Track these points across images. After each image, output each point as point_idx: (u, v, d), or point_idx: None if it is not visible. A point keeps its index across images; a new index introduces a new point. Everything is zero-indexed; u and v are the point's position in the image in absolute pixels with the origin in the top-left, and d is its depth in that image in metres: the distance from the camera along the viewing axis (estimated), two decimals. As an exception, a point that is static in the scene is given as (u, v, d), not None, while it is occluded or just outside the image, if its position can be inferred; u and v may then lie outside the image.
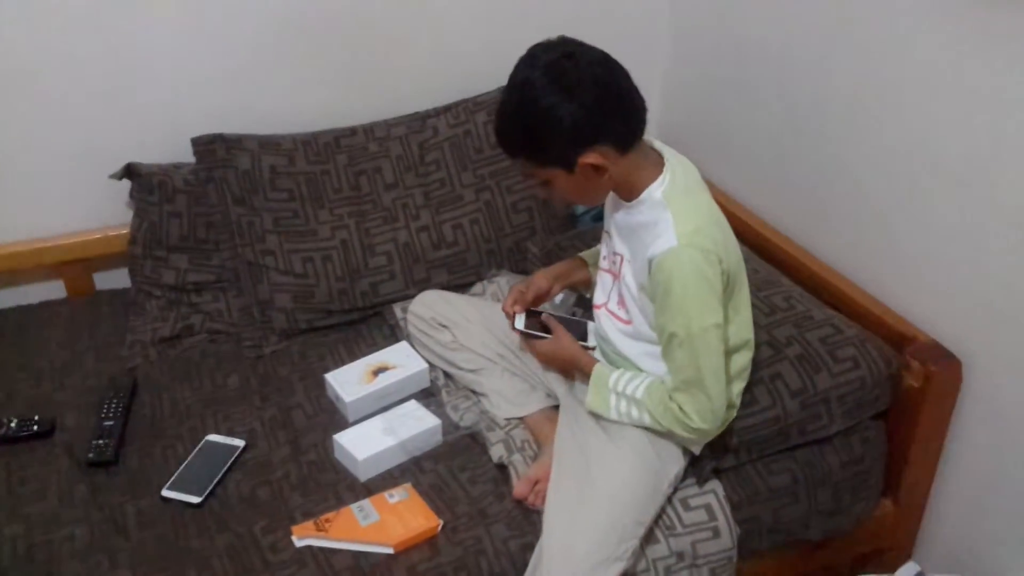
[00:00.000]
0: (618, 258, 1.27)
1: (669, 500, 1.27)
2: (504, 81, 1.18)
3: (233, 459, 1.34)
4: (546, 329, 1.34)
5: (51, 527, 1.23)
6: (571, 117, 1.12)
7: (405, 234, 1.65)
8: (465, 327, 1.47)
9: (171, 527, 1.24)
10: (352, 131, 1.71)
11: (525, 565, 1.20)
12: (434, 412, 1.41)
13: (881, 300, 1.50)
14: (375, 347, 1.54)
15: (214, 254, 1.64)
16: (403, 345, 1.53)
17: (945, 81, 1.32)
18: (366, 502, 1.26)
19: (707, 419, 1.18)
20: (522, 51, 1.17)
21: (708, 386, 1.16)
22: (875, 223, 1.50)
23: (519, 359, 1.45)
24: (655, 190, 1.19)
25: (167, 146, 1.66)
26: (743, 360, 1.27)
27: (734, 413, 1.27)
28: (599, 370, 1.26)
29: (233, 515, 1.26)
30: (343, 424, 1.40)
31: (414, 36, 1.77)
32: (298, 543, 1.21)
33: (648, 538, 1.24)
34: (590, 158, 1.15)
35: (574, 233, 1.73)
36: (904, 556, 1.50)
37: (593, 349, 1.35)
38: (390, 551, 1.20)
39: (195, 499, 1.27)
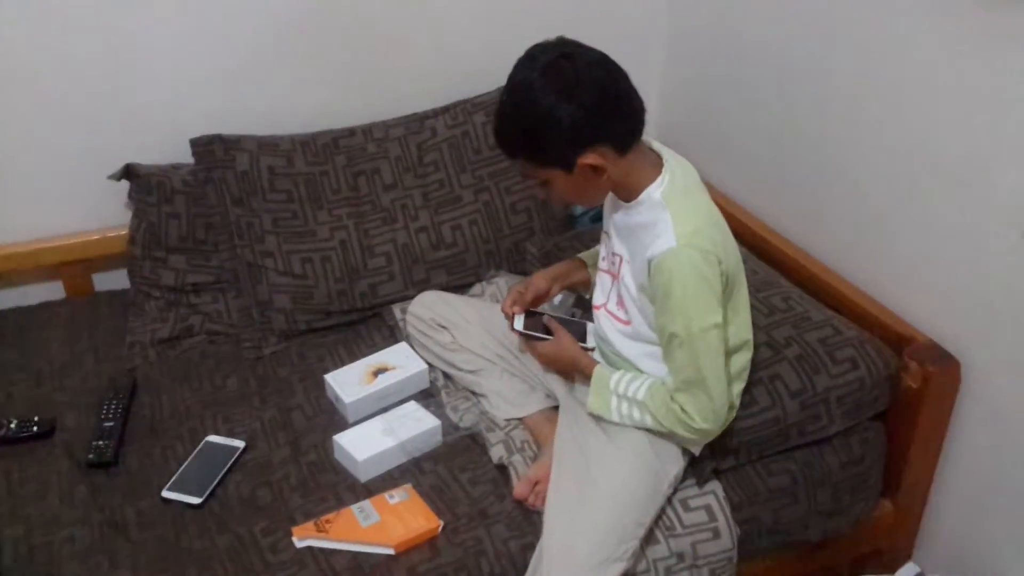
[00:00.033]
0: (617, 259, 1.27)
1: (669, 501, 1.27)
2: (503, 82, 1.18)
3: (233, 460, 1.34)
4: (546, 330, 1.34)
5: (51, 528, 1.24)
6: (570, 118, 1.12)
7: (404, 235, 1.65)
8: (464, 328, 1.48)
9: (171, 528, 1.24)
10: (351, 132, 1.71)
11: (525, 566, 1.20)
12: (434, 413, 1.41)
13: (880, 301, 1.50)
14: (374, 348, 1.55)
15: (213, 255, 1.64)
16: (402, 346, 1.53)
17: (945, 81, 1.32)
18: (366, 503, 1.26)
19: (709, 419, 1.18)
20: (521, 51, 1.17)
21: (710, 386, 1.16)
22: (874, 223, 1.50)
23: (518, 360, 1.45)
24: (654, 191, 1.19)
25: (166, 147, 1.66)
26: (742, 361, 1.27)
27: (733, 414, 1.27)
28: (600, 372, 1.26)
29: (233, 516, 1.26)
30: (343, 425, 1.40)
31: (413, 37, 1.77)
32: (298, 544, 1.21)
33: (648, 539, 1.24)
34: (589, 159, 1.15)
35: (573, 234, 1.73)
36: (904, 557, 1.50)
37: (592, 350, 1.35)
38: (391, 552, 1.20)
39: (195, 500, 1.27)
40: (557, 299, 1.48)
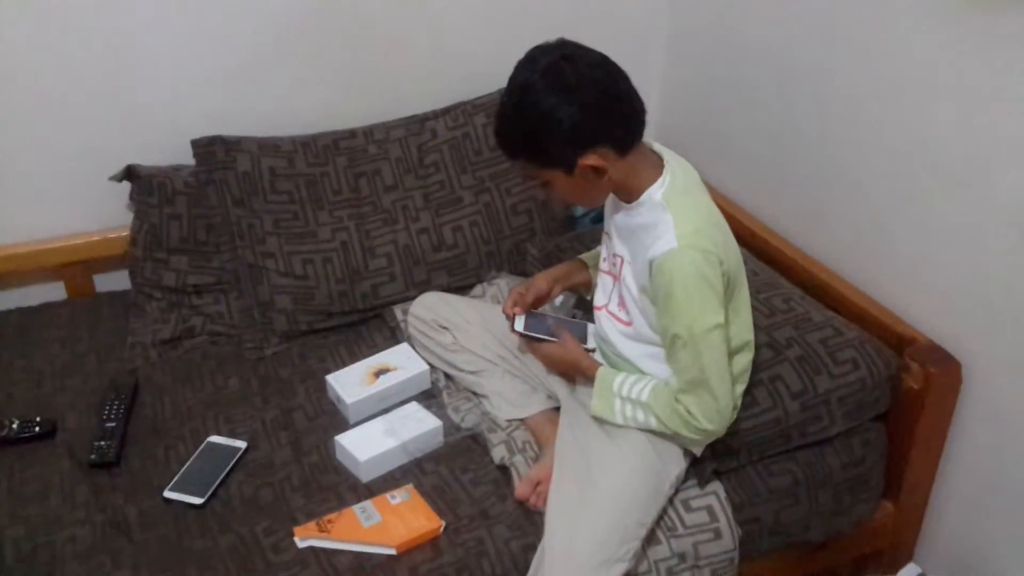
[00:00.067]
0: (618, 260, 1.27)
1: (670, 501, 1.28)
2: (503, 83, 1.19)
3: (235, 460, 1.34)
4: (547, 332, 1.34)
5: (53, 528, 1.24)
6: (570, 119, 1.12)
7: (405, 236, 1.65)
8: (465, 329, 1.48)
9: (173, 528, 1.24)
10: (351, 133, 1.71)
11: (527, 566, 1.20)
12: (435, 414, 1.41)
13: (880, 302, 1.50)
14: (376, 349, 1.55)
15: (214, 256, 1.64)
16: (404, 347, 1.53)
17: (945, 81, 1.32)
18: (368, 503, 1.26)
19: (713, 420, 1.18)
20: (521, 53, 1.17)
21: (713, 387, 1.17)
22: (874, 224, 1.50)
23: (520, 361, 1.45)
24: (655, 192, 1.19)
25: (167, 148, 1.66)
26: (744, 362, 1.28)
27: (735, 415, 1.27)
28: (603, 375, 1.26)
29: (235, 516, 1.26)
30: (344, 426, 1.40)
31: (413, 38, 1.77)
32: (300, 544, 1.21)
33: (650, 539, 1.24)
34: (590, 160, 1.15)
35: (573, 235, 1.73)
36: (905, 557, 1.50)
37: (593, 351, 1.35)
38: (392, 552, 1.20)
39: (197, 500, 1.27)
40: (558, 300, 1.48)
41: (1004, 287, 1.30)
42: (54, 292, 1.72)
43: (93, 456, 1.33)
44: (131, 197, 1.65)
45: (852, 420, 1.36)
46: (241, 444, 1.37)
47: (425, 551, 1.21)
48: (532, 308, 1.38)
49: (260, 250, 1.61)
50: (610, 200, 1.29)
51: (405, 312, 1.58)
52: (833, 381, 1.34)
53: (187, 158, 1.65)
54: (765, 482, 1.33)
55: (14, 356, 1.55)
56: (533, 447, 1.37)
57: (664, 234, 1.16)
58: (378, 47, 1.75)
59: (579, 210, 1.86)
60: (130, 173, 1.63)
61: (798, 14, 1.57)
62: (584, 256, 1.46)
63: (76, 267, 1.70)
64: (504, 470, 1.33)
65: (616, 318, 1.29)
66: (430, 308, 1.52)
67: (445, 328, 1.49)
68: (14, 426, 1.38)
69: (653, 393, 1.22)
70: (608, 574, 1.16)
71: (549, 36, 1.19)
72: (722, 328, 1.17)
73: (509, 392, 1.43)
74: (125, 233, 1.65)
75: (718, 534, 1.27)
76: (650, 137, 1.22)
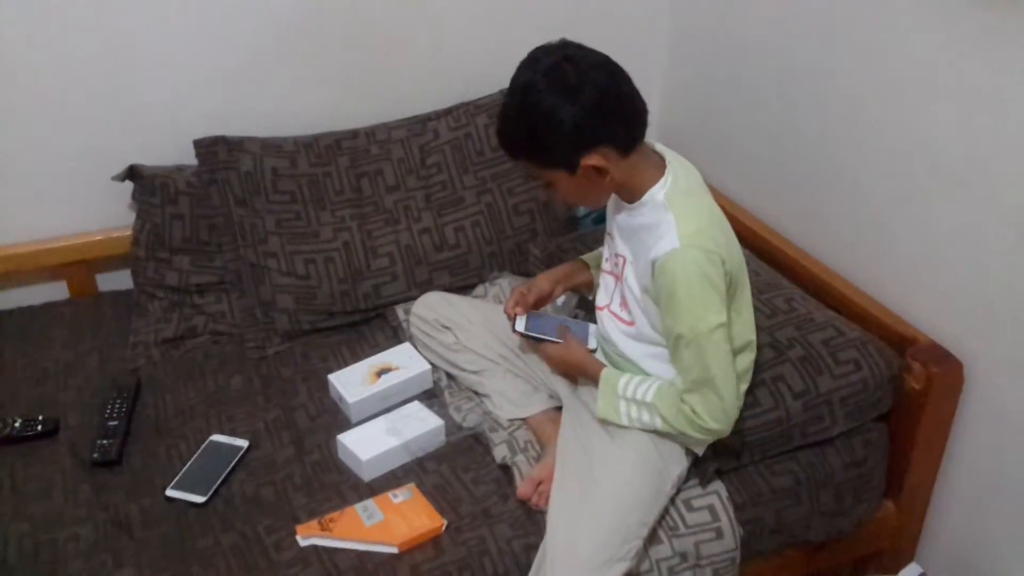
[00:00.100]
0: (620, 260, 1.28)
1: (672, 501, 1.28)
2: (504, 84, 1.19)
3: (237, 459, 1.34)
4: (548, 332, 1.34)
5: (55, 526, 1.24)
6: (573, 119, 1.13)
7: (407, 236, 1.66)
8: (467, 329, 1.48)
9: (175, 526, 1.24)
10: (353, 133, 1.72)
11: (529, 565, 1.21)
12: (437, 413, 1.41)
13: (881, 302, 1.50)
14: (377, 348, 1.55)
15: (216, 256, 1.64)
16: (406, 346, 1.53)
17: (945, 81, 1.32)
18: (370, 502, 1.27)
19: (719, 419, 1.19)
20: (522, 53, 1.18)
21: (718, 386, 1.17)
22: (875, 224, 1.50)
23: (522, 360, 1.45)
24: (657, 192, 1.19)
25: (169, 148, 1.66)
26: (746, 362, 1.28)
27: (738, 414, 1.27)
28: (607, 376, 1.26)
29: (237, 515, 1.26)
30: (346, 425, 1.40)
31: (414, 39, 1.77)
32: (302, 542, 1.21)
33: (651, 538, 1.24)
34: (592, 160, 1.15)
35: (575, 235, 1.73)
36: (906, 557, 1.50)
37: (594, 351, 1.35)
38: (394, 551, 1.21)
39: (199, 499, 1.27)
40: (560, 300, 1.48)
41: (1005, 287, 1.30)
42: (57, 292, 1.72)
43: (95, 455, 1.34)
44: (133, 197, 1.65)
45: (854, 420, 1.37)
46: (243, 443, 1.37)
47: (427, 550, 1.21)
48: (534, 308, 1.38)
49: (262, 250, 1.61)
50: (612, 200, 1.29)
51: (407, 312, 1.58)
52: (835, 381, 1.35)
53: (189, 158, 1.65)
54: (767, 482, 1.34)
55: (17, 355, 1.55)
56: (535, 446, 1.37)
57: (666, 234, 1.16)
58: (378, 48, 1.75)
59: (581, 211, 1.87)
60: (132, 173, 1.63)
61: (798, 14, 1.57)
62: (586, 257, 1.47)
63: (78, 267, 1.70)
64: (506, 469, 1.33)
65: (618, 318, 1.30)
66: (432, 308, 1.52)
67: (447, 328, 1.49)
68: (17, 424, 1.38)
69: (658, 394, 1.22)
70: (610, 573, 1.17)
71: (550, 37, 1.19)
72: (725, 327, 1.17)
73: (511, 392, 1.43)
74: (127, 233, 1.66)
75: (720, 533, 1.27)
76: (651, 138, 1.23)
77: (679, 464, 1.27)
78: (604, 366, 1.29)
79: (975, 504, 1.42)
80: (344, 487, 1.30)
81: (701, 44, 1.85)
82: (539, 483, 1.28)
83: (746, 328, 1.27)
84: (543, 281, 1.40)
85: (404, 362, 1.49)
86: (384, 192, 1.68)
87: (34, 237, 1.66)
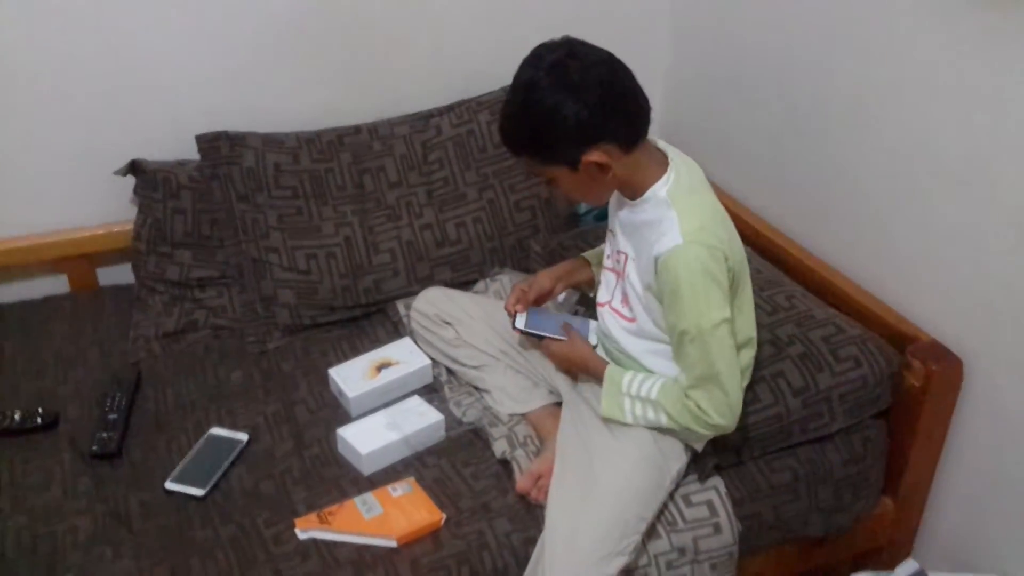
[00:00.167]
0: (622, 256, 1.28)
1: (671, 496, 1.28)
2: (506, 81, 1.19)
3: (237, 453, 1.34)
4: (548, 329, 1.34)
5: (54, 518, 1.24)
6: (575, 116, 1.13)
7: (408, 232, 1.66)
8: (468, 324, 1.48)
9: (175, 519, 1.24)
10: (356, 129, 1.72)
11: (527, 559, 1.21)
12: (437, 408, 1.41)
13: (882, 299, 1.51)
14: (378, 343, 1.55)
15: (218, 250, 1.64)
16: (406, 341, 1.54)
17: (945, 81, 1.33)
18: (369, 495, 1.27)
19: (725, 414, 1.19)
20: (524, 51, 1.18)
21: (723, 381, 1.17)
22: (875, 223, 1.51)
23: (522, 356, 1.45)
24: (659, 188, 1.20)
25: (171, 143, 1.66)
26: (746, 358, 1.28)
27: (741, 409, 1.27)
28: (611, 375, 1.26)
29: (236, 507, 1.26)
30: (346, 419, 1.41)
31: (415, 36, 1.78)
32: (301, 535, 1.22)
33: (650, 533, 1.24)
34: (594, 156, 1.16)
35: (576, 232, 1.73)
36: (904, 554, 1.50)
37: (595, 347, 1.35)
38: (393, 544, 1.21)
39: (199, 491, 1.27)
40: (560, 297, 1.49)
41: (1004, 286, 1.30)
42: (57, 286, 1.72)
43: (95, 447, 1.34)
44: (135, 192, 1.65)
45: (853, 417, 1.37)
46: (243, 436, 1.37)
47: (426, 544, 1.21)
48: (534, 305, 1.39)
49: (264, 245, 1.61)
50: (615, 197, 1.29)
51: (408, 307, 1.58)
52: (835, 378, 1.35)
53: (191, 153, 1.66)
54: (766, 478, 1.34)
55: (17, 349, 1.55)
56: (534, 441, 1.37)
57: (669, 231, 1.16)
58: (379, 46, 1.76)
59: (583, 207, 1.87)
60: (134, 168, 1.63)
61: (799, 15, 1.58)
62: (587, 254, 1.47)
63: (79, 261, 1.70)
64: (505, 464, 1.33)
65: (619, 315, 1.30)
66: (433, 303, 1.52)
67: (448, 323, 1.49)
68: (16, 417, 1.38)
69: (662, 390, 1.22)
70: (608, 568, 1.17)
71: (552, 35, 1.19)
72: (729, 323, 1.17)
73: (511, 387, 1.43)
74: (128, 227, 1.66)
75: (718, 529, 1.27)
76: (652, 135, 1.23)
77: (678, 460, 1.27)
78: (608, 363, 1.30)
79: (973, 501, 1.42)
80: (343, 481, 1.31)
81: (702, 43, 1.86)
82: (538, 477, 1.28)
83: (747, 324, 1.27)
84: (544, 278, 1.40)
85: (404, 357, 1.49)
86: (386, 188, 1.68)
87: (35, 231, 1.66)
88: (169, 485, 1.29)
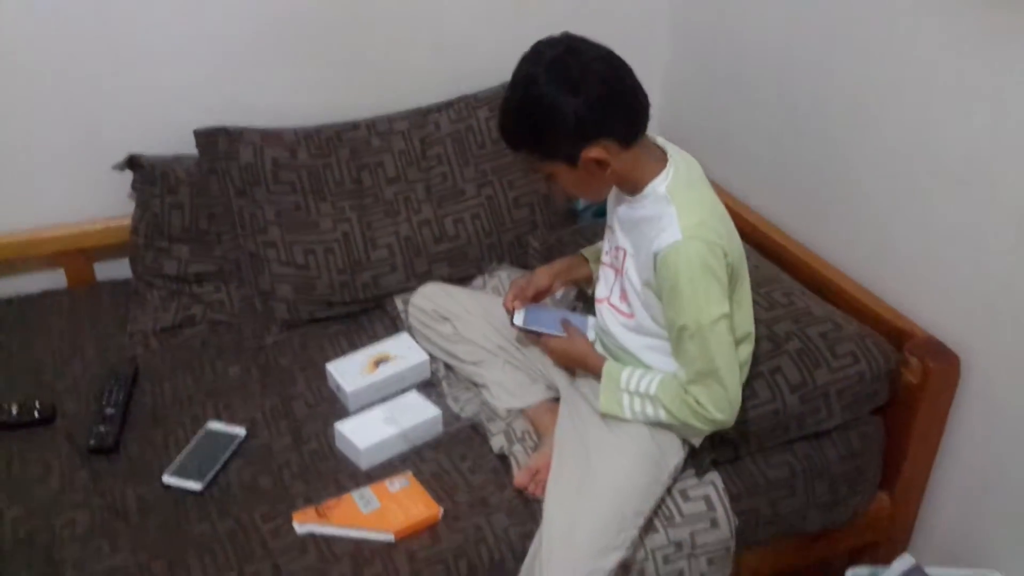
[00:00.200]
0: (621, 252, 1.28)
1: (668, 491, 1.28)
2: (505, 77, 1.19)
3: (234, 447, 1.34)
4: (546, 326, 1.35)
5: (52, 512, 1.24)
6: (574, 112, 1.13)
7: (407, 227, 1.66)
8: (466, 319, 1.48)
9: (172, 513, 1.24)
10: (354, 125, 1.72)
11: (525, 553, 1.21)
12: (435, 402, 1.41)
13: (880, 297, 1.51)
14: (376, 338, 1.55)
15: (216, 245, 1.64)
16: (404, 336, 1.54)
17: (945, 81, 1.33)
18: (367, 489, 1.27)
19: (724, 409, 1.19)
20: (523, 48, 1.18)
21: (722, 376, 1.17)
22: (875, 221, 1.51)
23: (520, 351, 1.45)
24: (658, 184, 1.20)
25: (169, 138, 1.66)
26: (744, 353, 1.28)
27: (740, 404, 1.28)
28: (609, 370, 1.26)
29: (234, 502, 1.26)
30: (344, 414, 1.40)
31: (414, 32, 1.77)
32: (299, 529, 1.22)
33: (647, 528, 1.25)
34: (593, 152, 1.16)
35: (575, 229, 1.74)
36: (900, 548, 1.50)
37: (593, 343, 1.36)
38: (391, 538, 1.21)
39: (196, 486, 1.27)
40: (559, 293, 1.49)
41: (1003, 284, 1.31)
42: (55, 280, 1.72)
43: (92, 441, 1.33)
44: (133, 186, 1.65)
45: (850, 413, 1.37)
46: (240, 431, 1.37)
47: (423, 538, 1.21)
48: (532, 302, 1.39)
49: (262, 239, 1.61)
50: (613, 193, 1.30)
51: (406, 302, 1.58)
52: (832, 374, 1.35)
53: (189, 148, 1.65)
54: (763, 473, 1.34)
55: (14, 343, 1.55)
56: (532, 436, 1.37)
57: (668, 227, 1.16)
58: (378, 43, 1.75)
59: (581, 204, 1.87)
60: (132, 162, 1.63)
61: (799, 13, 1.58)
62: (585, 251, 1.47)
63: (77, 255, 1.70)
64: (503, 459, 1.33)
65: (618, 311, 1.30)
66: (431, 298, 1.52)
67: (446, 318, 1.49)
68: (13, 411, 1.38)
69: (661, 386, 1.22)
70: (605, 562, 1.17)
71: (551, 31, 1.19)
72: (728, 318, 1.18)
73: (509, 382, 1.43)
74: (126, 222, 1.65)
75: (715, 523, 1.28)
76: (651, 132, 1.23)
77: (676, 455, 1.27)
78: (606, 359, 1.30)
79: (969, 497, 1.43)
80: (341, 475, 1.31)
81: (701, 39, 1.86)
82: (536, 472, 1.28)
83: (745, 320, 1.28)
84: (542, 275, 1.41)
85: (402, 352, 1.49)
86: (384, 183, 1.68)
87: (32, 225, 1.66)
88: (167, 479, 1.28)
